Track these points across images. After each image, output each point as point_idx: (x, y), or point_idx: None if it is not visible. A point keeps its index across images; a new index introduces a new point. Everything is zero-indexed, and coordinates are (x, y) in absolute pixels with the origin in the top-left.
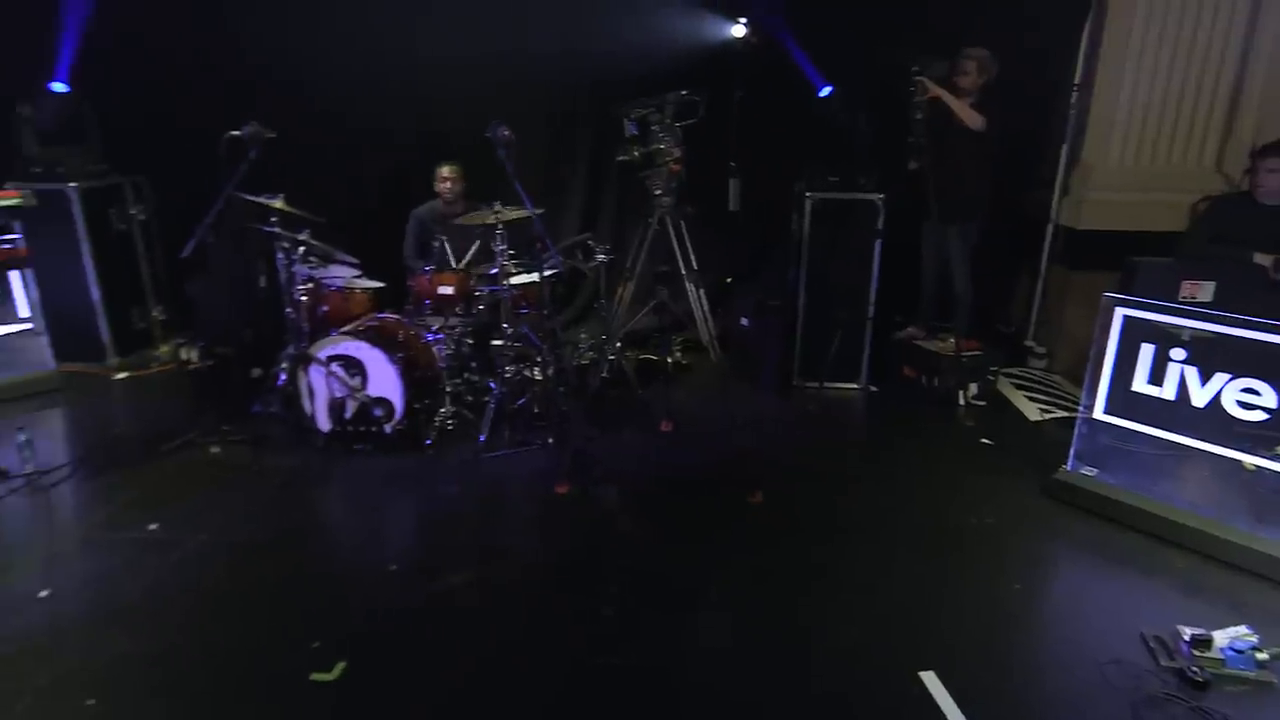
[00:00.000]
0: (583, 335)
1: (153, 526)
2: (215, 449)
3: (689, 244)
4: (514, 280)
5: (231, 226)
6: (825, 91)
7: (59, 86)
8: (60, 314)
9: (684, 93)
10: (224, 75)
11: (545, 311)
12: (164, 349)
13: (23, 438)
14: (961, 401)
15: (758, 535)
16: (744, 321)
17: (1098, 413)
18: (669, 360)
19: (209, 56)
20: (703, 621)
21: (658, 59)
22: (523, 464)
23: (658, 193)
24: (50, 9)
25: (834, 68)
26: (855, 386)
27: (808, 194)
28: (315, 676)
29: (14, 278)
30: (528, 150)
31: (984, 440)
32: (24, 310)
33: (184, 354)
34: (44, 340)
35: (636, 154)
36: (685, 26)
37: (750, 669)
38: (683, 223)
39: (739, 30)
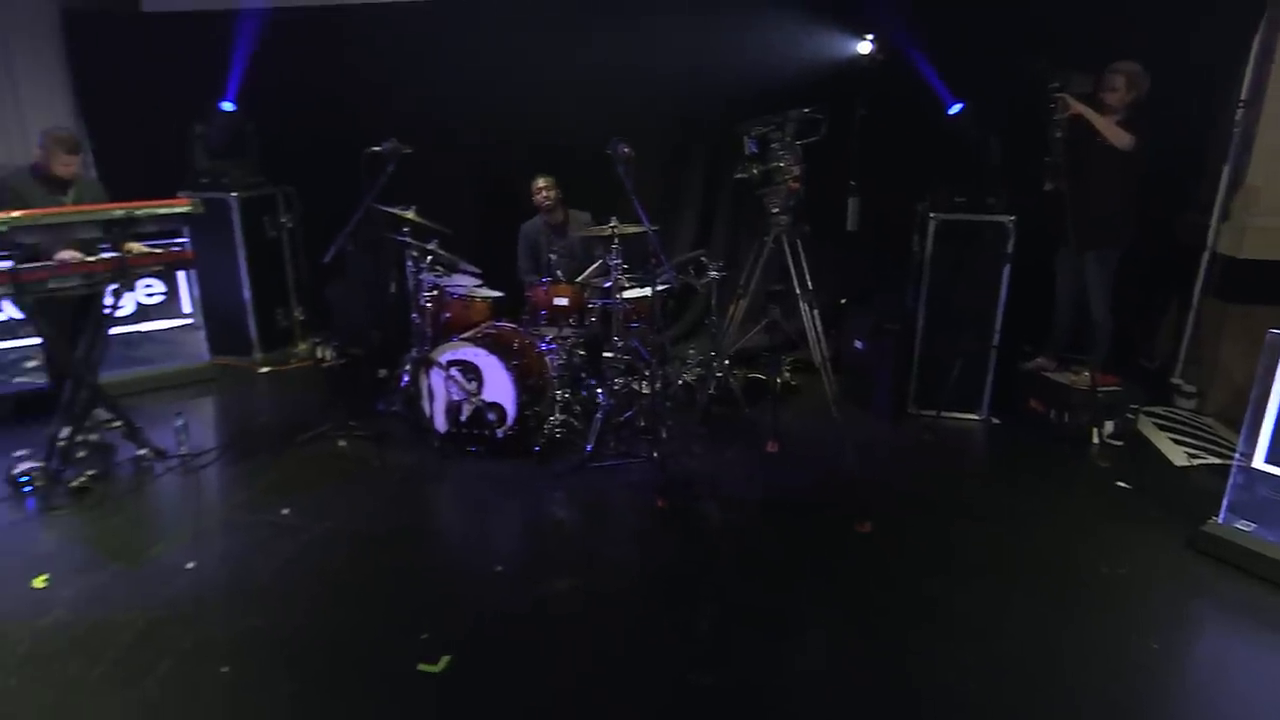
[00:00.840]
0: (691, 351)
1: (285, 511)
2: (343, 443)
3: (804, 263)
4: (627, 294)
5: (369, 235)
6: (955, 108)
7: (228, 105)
8: (216, 311)
9: (806, 110)
10: (366, 96)
11: (656, 326)
12: (302, 347)
13: (180, 422)
14: (1095, 440)
15: (864, 563)
16: (858, 344)
17: (1258, 461)
18: (778, 380)
19: (354, 80)
20: (802, 646)
21: (781, 76)
22: (626, 476)
23: (775, 211)
24: (223, 42)
25: (965, 83)
26: (975, 418)
27: (932, 214)
28: (422, 667)
29: (180, 277)
30: (645, 165)
31: (1120, 484)
32: (186, 306)
33: (320, 352)
34: (201, 334)
35: (755, 171)
36: (809, 43)
37: (851, 702)
38: (799, 241)
39: (865, 47)
